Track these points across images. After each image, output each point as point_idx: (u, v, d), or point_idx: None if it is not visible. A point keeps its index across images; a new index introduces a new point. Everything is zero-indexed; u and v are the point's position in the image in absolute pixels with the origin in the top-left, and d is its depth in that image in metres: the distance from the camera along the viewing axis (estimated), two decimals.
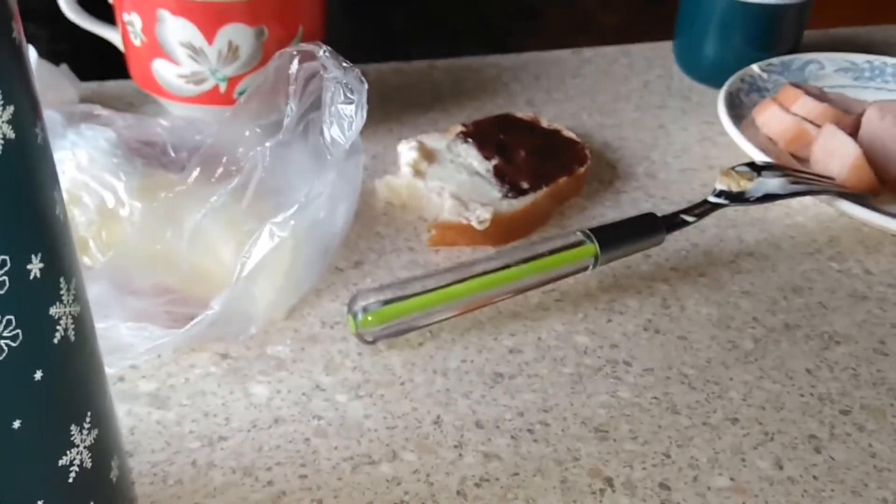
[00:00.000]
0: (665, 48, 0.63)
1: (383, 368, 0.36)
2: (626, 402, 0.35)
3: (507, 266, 0.38)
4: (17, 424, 0.18)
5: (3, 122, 0.15)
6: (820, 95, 0.50)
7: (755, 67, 0.54)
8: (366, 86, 0.31)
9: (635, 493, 0.31)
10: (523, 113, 0.52)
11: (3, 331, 0.17)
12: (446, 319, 0.38)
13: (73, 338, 0.19)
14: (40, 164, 0.16)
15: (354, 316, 0.36)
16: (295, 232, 0.31)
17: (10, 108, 0.15)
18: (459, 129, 0.50)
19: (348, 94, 0.30)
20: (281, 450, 0.32)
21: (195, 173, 0.33)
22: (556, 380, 0.36)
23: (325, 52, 0.31)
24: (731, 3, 0.54)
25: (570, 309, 0.40)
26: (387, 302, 0.36)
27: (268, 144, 0.31)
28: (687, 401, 0.35)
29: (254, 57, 0.45)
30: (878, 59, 0.57)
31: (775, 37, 0.56)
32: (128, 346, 0.33)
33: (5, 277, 0.16)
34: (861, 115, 0.48)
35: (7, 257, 0.16)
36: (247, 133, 0.34)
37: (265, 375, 0.35)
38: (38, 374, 0.18)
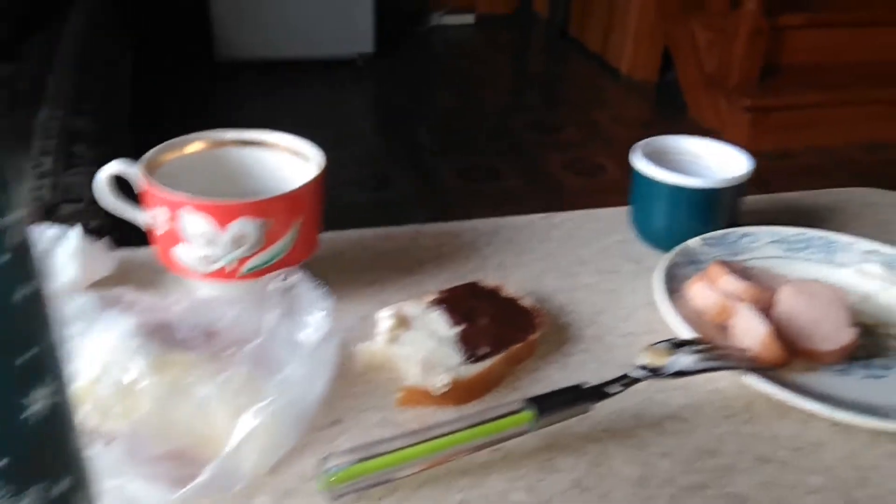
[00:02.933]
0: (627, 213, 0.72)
1: None
2: None
3: (457, 430, 0.46)
4: None
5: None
6: (743, 273, 0.57)
7: (691, 243, 0.62)
8: (330, 301, 0.39)
9: None
10: (490, 281, 0.60)
11: None
12: (406, 476, 0.45)
13: None
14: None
15: (321, 479, 0.43)
16: (274, 412, 0.39)
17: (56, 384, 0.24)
18: (432, 297, 0.58)
19: (317, 307, 0.39)
20: None
21: (201, 359, 0.41)
22: None
23: (299, 275, 0.40)
24: (673, 187, 0.63)
25: (512, 467, 0.47)
26: (353, 462, 0.44)
27: (251, 346, 0.39)
28: None
29: (258, 242, 0.54)
30: (807, 232, 0.64)
31: (715, 213, 0.64)
32: (135, 500, 0.40)
33: None
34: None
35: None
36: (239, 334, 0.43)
37: None
38: None
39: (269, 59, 3.25)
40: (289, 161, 0.60)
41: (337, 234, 0.68)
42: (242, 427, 0.39)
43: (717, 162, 0.67)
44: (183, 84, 3.15)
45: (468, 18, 4.32)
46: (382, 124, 3.07)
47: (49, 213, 1.75)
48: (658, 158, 0.65)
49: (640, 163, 0.64)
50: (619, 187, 2.90)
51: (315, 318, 0.39)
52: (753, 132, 2.80)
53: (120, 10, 2.90)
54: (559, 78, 3.83)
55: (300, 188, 0.55)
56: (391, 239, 0.69)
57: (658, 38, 3.34)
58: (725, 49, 2.90)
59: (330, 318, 0.39)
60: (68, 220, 1.96)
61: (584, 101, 3.41)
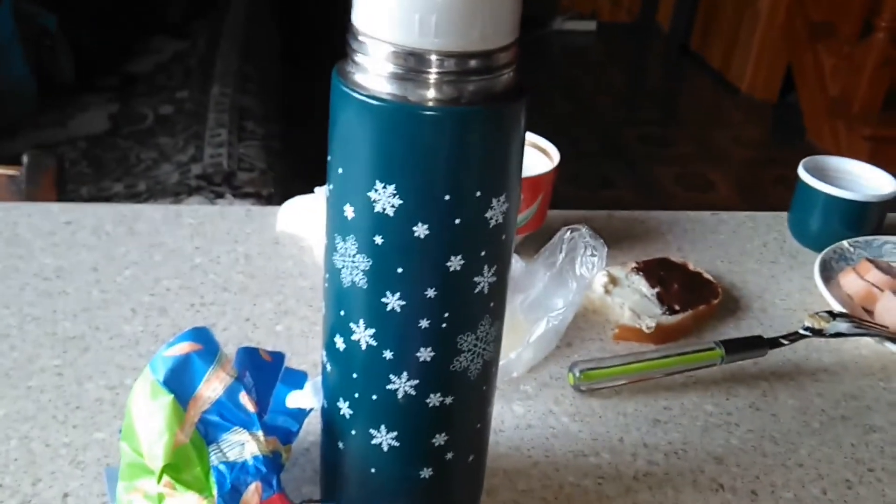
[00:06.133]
0: (781, 217, 0.87)
1: (588, 406, 0.61)
2: (735, 447, 0.58)
3: (664, 357, 0.63)
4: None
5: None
6: (887, 269, 0.72)
7: (845, 243, 0.77)
8: (606, 249, 0.57)
9: (736, 492, 0.54)
10: (676, 257, 0.77)
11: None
12: (625, 385, 0.63)
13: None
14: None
15: (574, 374, 0.61)
16: (556, 323, 0.57)
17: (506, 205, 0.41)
18: (633, 265, 0.75)
19: (594, 251, 0.56)
20: (530, 443, 0.57)
21: None
22: (690, 428, 0.60)
23: (585, 229, 0.58)
24: (829, 197, 0.78)
25: (703, 389, 0.64)
26: (590, 369, 0.62)
27: (547, 274, 0.57)
28: (773, 450, 0.58)
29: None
30: None
31: (862, 221, 0.79)
32: None
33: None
34: None
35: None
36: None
37: (521, 400, 0.61)
38: None
39: None
40: (529, 152, 0.78)
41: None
42: (538, 329, 0.57)
43: (868, 181, 0.82)
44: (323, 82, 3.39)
45: (590, 25, 4.44)
46: None
47: (227, 179, 2.00)
48: (818, 173, 0.80)
49: (805, 175, 0.80)
50: (729, 203, 2.96)
51: (592, 261, 0.57)
52: (872, 162, 2.85)
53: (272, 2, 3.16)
54: (677, 92, 3.93)
55: (545, 173, 0.73)
56: (589, 220, 0.86)
57: (781, 60, 3.40)
58: (851, 76, 2.95)
59: (602, 262, 0.57)
60: (243, 187, 2.18)
61: (700, 118, 3.50)
